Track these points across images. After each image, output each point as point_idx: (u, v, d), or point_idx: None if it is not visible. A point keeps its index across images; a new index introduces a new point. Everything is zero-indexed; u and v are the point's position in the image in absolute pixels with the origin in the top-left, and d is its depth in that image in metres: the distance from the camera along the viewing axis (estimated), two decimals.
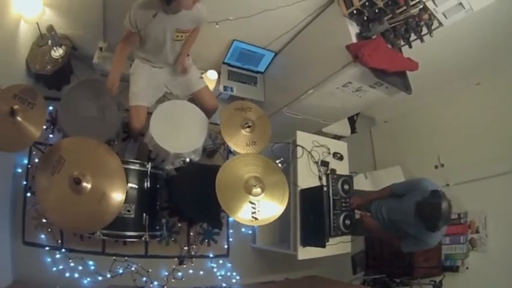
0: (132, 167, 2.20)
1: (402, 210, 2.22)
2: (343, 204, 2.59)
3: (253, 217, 2.02)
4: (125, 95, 2.34)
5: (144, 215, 2.15)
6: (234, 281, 2.97)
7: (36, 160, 2.45)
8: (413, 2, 2.24)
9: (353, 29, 2.31)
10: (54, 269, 2.36)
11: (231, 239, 3.05)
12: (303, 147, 2.65)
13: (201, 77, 2.53)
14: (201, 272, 2.83)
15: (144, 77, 2.32)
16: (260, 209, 2.05)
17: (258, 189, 2.08)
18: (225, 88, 3.20)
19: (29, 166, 2.47)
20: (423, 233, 2.07)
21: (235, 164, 2.20)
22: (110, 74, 2.13)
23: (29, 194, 2.40)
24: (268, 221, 2.08)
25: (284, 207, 2.15)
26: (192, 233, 2.86)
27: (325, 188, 2.52)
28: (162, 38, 2.10)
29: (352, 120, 3.84)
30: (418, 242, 2.14)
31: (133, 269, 2.57)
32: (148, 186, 2.21)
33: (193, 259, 2.81)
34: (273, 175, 2.24)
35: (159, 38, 2.09)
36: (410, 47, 2.43)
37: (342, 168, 2.81)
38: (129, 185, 2.10)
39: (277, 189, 2.19)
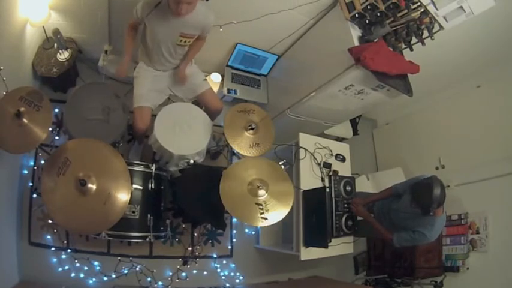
0: (136, 168, 2.21)
1: (402, 205, 2.25)
2: (345, 205, 2.62)
3: (262, 217, 2.03)
4: (129, 97, 2.37)
5: (149, 215, 2.16)
6: (237, 281, 2.99)
7: (42, 162, 2.48)
8: (415, 6, 2.26)
9: (355, 32, 2.32)
10: (60, 269, 2.39)
11: (234, 240, 3.08)
12: (305, 149, 2.67)
13: (205, 79, 2.54)
14: (205, 272, 2.85)
15: (149, 79, 2.34)
16: (268, 208, 2.06)
17: (262, 191, 2.08)
18: (229, 91, 3.21)
19: (35, 168, 2.50)
20: (420, 223, 2.10)
21: (237, 169, 2.22)
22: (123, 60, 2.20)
23: (35, 195, 2.42)
24: (278, 219, 2.08)
25: (291, 204, 2.15)
26: (196, 234, 2.88)
27: (327, 189, 2.54)
28: (164, 40, 2.12)
29: (354, 123, 3.87)
30: (414, 234, 2.14)
31: (138, 269, 2.59)
32: (153, 187, 2.23)
33: (197, 259, 2.84)
34: (275, 174, 2.25)
35: (161, 39, 2.11)
36: (411, 50, 2.45)
37: (344, 169, 2.83)
38: (134, 186, 2.11)
39: (282, 187, 2.20)
